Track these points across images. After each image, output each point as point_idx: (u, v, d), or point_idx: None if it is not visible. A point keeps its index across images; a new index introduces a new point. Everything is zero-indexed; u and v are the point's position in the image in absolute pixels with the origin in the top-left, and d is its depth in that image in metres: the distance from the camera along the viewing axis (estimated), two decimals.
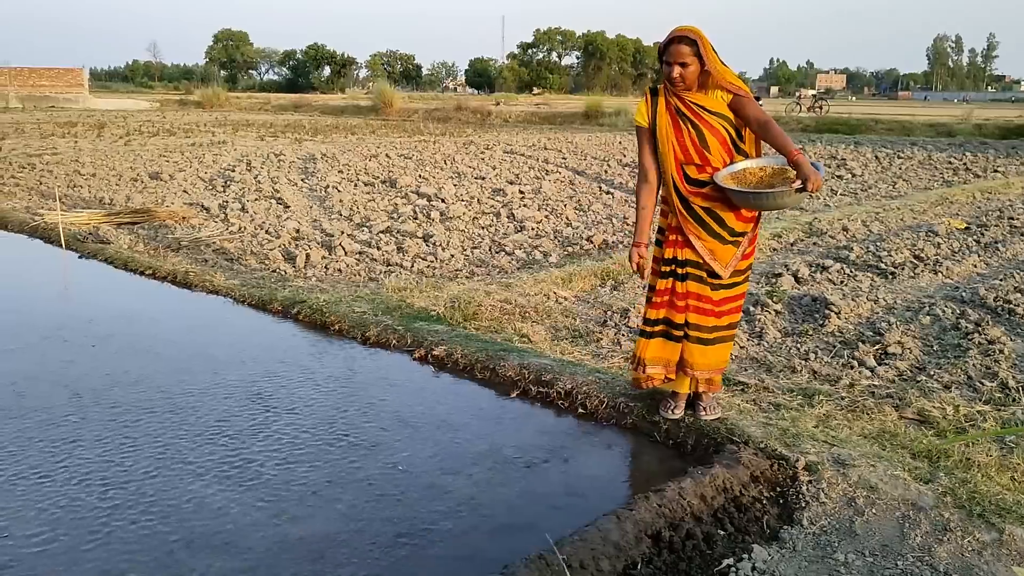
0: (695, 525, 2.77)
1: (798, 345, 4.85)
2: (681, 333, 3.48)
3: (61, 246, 7.59)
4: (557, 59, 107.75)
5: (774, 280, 6.30)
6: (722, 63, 3.30)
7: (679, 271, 3.45)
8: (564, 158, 16.36)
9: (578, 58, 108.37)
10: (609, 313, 5.42)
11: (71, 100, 46.42)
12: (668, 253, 3.47)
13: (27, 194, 11.02)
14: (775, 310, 5.43)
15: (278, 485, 3.14)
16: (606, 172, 14.10)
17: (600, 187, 12.14)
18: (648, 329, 3.57)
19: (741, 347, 4.77)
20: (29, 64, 46.74)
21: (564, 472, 3.31)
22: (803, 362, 4.52)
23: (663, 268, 3.50)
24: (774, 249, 7.81)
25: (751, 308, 5.46)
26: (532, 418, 3.88)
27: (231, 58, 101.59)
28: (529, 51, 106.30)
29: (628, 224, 9.00)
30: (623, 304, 5.59)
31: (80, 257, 7.36)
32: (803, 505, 2.95)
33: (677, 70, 3.24)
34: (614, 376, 4.15)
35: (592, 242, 8.01)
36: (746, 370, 4.41)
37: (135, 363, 4.55)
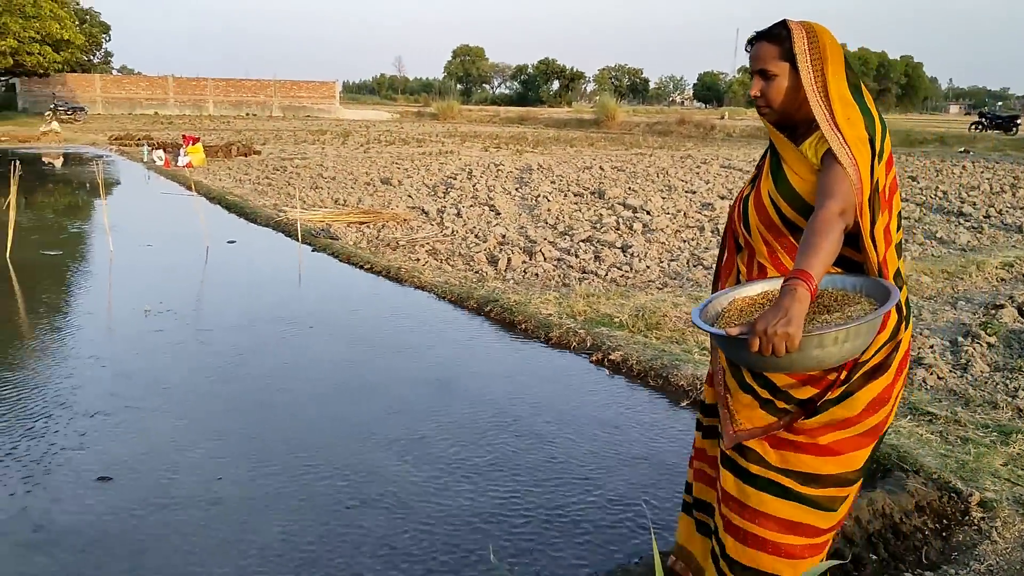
0: (845, 546, 2.70)
1: (1007, 382, 4.47)
2: (712, 525, 2.17)
3: (298, 240, 8.49)
4: None
5: (993, 311, 5.80)
6: (850, 94, 1.87)
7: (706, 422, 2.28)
8: None
9: None
10: None
11: (324, 110, 51.09)
12: (706, 393, 2.28)
13: (276, 193, 12.37)
14: (988, 343, 5.03)
15: (447, 463, 3.42)
16: None
17: None
18: (686, 498, 2.38)
19: (940, 377, 4.48)
20: (292, 78, 51.88)
21: None
22: (1009, 399, 4.17)
23: (700, 416, 2.32)
24: (1002, 279, 7.16)
25: (959, 339, 5.09)
26: None
27: (467, 72, 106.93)
28: None
29: None
30: None
31: (312, 250, 8.21)
32: (972, 542, 2.78)
33: (756, 84, 1.95)
34: None
35: None
36: (940, 401, 4.15)
37: (341, 344, 5.07)
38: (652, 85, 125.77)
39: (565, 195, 12.38)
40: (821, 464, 1.90)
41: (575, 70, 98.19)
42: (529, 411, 4.02)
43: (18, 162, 8.68)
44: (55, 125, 27.26)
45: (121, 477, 3.22)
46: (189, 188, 12.09)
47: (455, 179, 14.25)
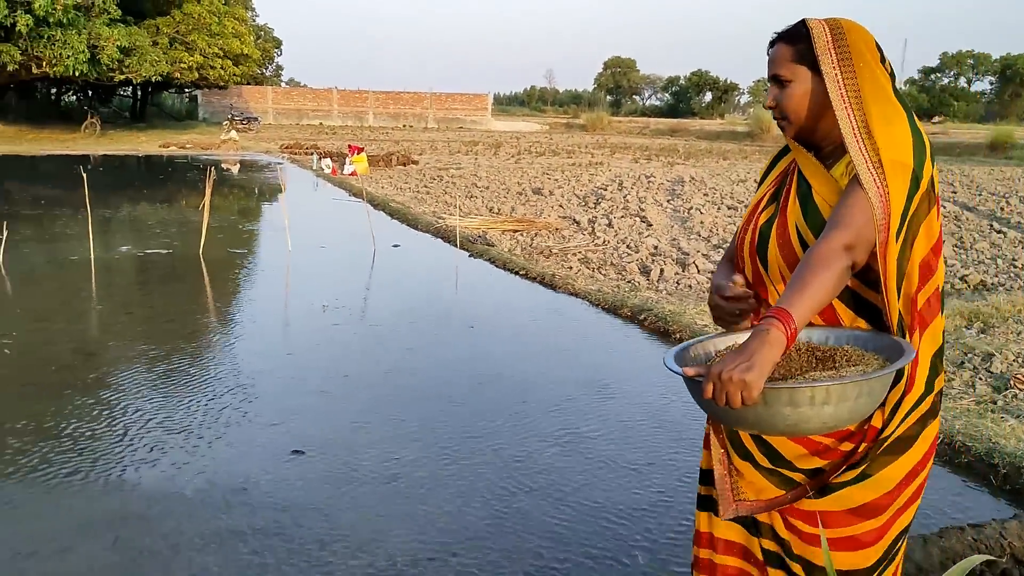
0: (1013, 566, 2.66)
1: None
2: None
3: (456, 246, 8.89)
4: (965, 85, 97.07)
5: None
6: (896, 99, 1.55)
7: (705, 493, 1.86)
8: (954, 191, 14.98)
9: (992, 84, 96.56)
10: (969, 356, 5.09)
11: (476, 122, 52.48)
12: (704, 457, 1.87)
13: (435, 201, 12.94)
14: None
15: (606, 459, 3.58)
16: (1002, 210, 12.68)
17: (991, 225, 11.00)
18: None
19: None
20: (446, 90, 53.56)
21: None
22: None
23: (700, 488, 1.88)
24: None
25: None
26: None
27: (617, 84, 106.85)
28: (932, 76, 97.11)
29: (1016, 266, 8.14)
30: (988, 348, 5.20)
31: (469, 256, 8.58)
32: None
33: (772, 92, 1.65)
34: (955, 416, 3.97)
35: (966, 281, 7.42)
36: None
37: (500, 344, 5.35)
38: None
39: (718, 208, 12.28)
40: (833, 556, 1.54)
41: (729, 82, 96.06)
42: (682, 414, 4.12)
43: (213, 168, 9.57)
44: (233, 134, 29.46)
45: (312, 452, 3.58)
46: (356, 195, 12.86)
47: (605, 190, 14.40)
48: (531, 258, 8.36)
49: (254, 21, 51.60)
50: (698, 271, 7.65)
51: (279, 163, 21.55)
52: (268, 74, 63.36)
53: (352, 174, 17.20)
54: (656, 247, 8.86)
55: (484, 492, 3.24)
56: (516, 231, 10.01)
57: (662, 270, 7.57)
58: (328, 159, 19.14)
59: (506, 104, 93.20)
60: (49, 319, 5.81)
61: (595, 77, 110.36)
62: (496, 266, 8.04)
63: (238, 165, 21.19)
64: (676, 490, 3.30)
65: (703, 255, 8.37)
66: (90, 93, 40.17)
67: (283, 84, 69.38)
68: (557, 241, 9.34)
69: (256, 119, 39.54)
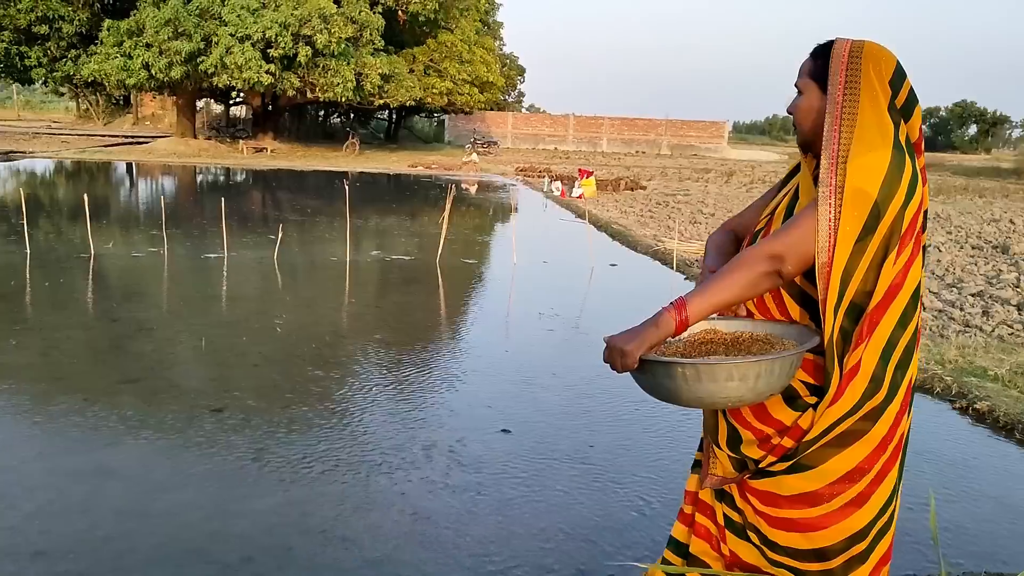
0: None
1: None
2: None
3: (672, 267, 9.14)
4: None
5: None
6: (891, 125, 1.63)
7: None
8: None
9: None
10: None
11: (711, 149, 51.87)
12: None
13: (657, 225, 13.23)
14: None
15: None
16: None
17: None
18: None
19: None
20: (682, 117, 53.41)
21: None
22: None
23: (696, 453, 2.14)
24: None
25: None
26: None
27: None
28: None
29: None
30: None
31: (685, 279, 8.80)
32: None
33: (794, 99, 1.78)
34: None
35: None
36: None
37: None
38: None
39: (961, 247, 11.55)
40: (778, 535, 1.75)
41: (998, 113, 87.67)
42: None
43: (453, 186, 10.53)
44: (474, 156, 31.38)
45: (518, 431, 4.06)
46: (580, 216, 13.45)
47: None
48: None
49: (501, 50, 54.44)
50: (924, 308, 7.34)
51: (513, 184, 22.77)
52: (510, 100, 66.46)
53: (579, 197, 17.87)
54: None
55: (671, 484, 3.54)
56: None
57: None
58: (558, 182, 19.98)
59: (745, 132, 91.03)
60: (311, 307, 6.81)
61: None
62: None
63: (476, 185, 22.64)
64: None
65: (933, 292, 8.01)
66: (351, 116, 44.41)
67: (523, 110, 72.44)
68: None
69: (496, 143, 41.78)
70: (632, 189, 20.72)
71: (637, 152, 50.86)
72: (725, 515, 1.87)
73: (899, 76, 1.66)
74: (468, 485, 3.44)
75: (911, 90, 1.67)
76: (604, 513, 3.24)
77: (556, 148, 50.51)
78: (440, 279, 8.39)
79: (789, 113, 1.79)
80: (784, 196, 1.84)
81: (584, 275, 8.82)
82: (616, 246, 11.23)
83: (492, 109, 50.65)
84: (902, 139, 1.64)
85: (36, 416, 4.04)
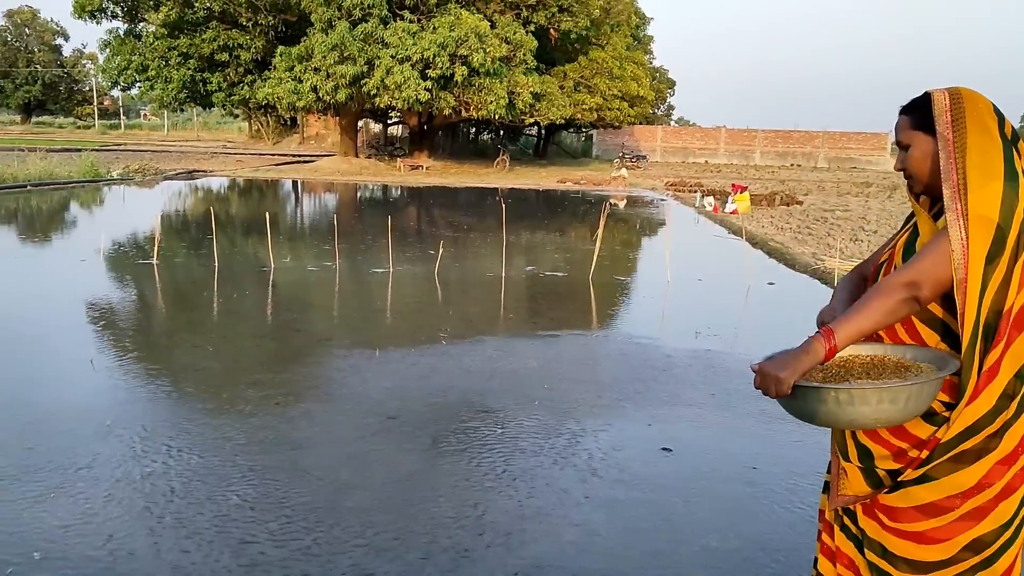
0: None
1: None
2: None
3: (833, 288, 8.85)
4: None
5: None
6: (1002, 151, 1.70)
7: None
8: None
9: None
10: None
11: (872, 162, 49.44)
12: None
13: (816, 243, 12.81)
14: None
15: None
16: None
17: None
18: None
19: None
20: (840, 129, 51.24)
21: None
22: None
23: (825, 475, 2.22)
24: None
25: None
26: None
27: None
28: None
29: None
30: None
31: None
32: None
33: (899, 156, 1.88)
34: None
35: None
36: None
37: None
38: None
39: None
40: (897, 545, 1.80)
41: None
42: None
43: (607, 203, 10.64)
44: (623, 171, 31.37)
45: (678, 450, 4.12)
46: (735, 232, 13.22)
47: None
48: None
49: (651, 63, 54.16)
50: None
51: (663, 199, 22.61)
52: (659, 113, 65.92)
53: (733, 212, 17.54)
54: None
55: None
56: None
57: None
58: (710, 197, 19.69)
59: None
60: (472, 321, 7.10)
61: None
62: None
63: (625, 200, 22.64)
64: None
65: None
66: (502, 133, 45.45)
67: (672, 123, 71.65)
68: None
69: (644, 157, 41.56)
70: (788, 204, 20.11)
71: (792, 165, 49.18)
72: (844, 528, 1.95)
73: (998, 111, 1.76)
74: (631, 501, 3.54)
75: (1012, 126, 1.76)
76: (767, 534, 3.26)
77: (707, 161, 49.64)
78: (592, 296, 8.52)
79: (899, 170, 1.88)
80: (904, 233, 1.94)
81: (740, 293, 8.71)
82: (773, 264, 10.99)
83: (641, 123, 50.37)
84: (1019, 167, 1.70)
85: (231, 417, 4.47)
